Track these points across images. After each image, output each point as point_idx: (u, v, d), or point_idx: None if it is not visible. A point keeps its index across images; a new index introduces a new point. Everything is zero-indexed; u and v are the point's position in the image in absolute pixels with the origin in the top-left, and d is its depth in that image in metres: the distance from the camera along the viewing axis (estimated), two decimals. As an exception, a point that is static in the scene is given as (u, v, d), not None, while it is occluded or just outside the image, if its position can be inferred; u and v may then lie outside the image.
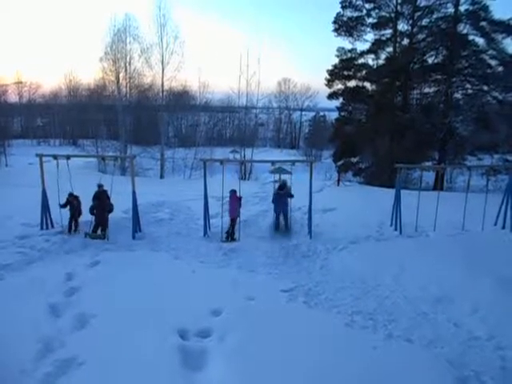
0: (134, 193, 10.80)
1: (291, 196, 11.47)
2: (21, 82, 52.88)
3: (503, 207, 11.09)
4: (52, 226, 10.91)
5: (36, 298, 6.58)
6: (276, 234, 11.38)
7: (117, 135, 30.59)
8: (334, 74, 28.36)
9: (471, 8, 23.57)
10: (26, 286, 7.06)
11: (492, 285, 7.35)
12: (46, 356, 5.11)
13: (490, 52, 23.79)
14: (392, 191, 12.46)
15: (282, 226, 11.64)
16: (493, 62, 23.91)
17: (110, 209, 10.84)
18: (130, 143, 29.94)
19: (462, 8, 23.82)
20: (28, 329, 5.62)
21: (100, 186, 11.13)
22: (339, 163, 28.76)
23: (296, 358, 5.15)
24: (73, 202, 10.81)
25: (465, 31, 24.30)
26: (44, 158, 10.88)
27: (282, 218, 11.61)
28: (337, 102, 29.32)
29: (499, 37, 23.21)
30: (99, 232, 10.62)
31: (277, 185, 12.36)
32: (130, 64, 29.05)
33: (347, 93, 28.08)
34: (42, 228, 10.72)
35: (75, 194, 10.91)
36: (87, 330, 5.78)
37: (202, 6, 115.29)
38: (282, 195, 11.37)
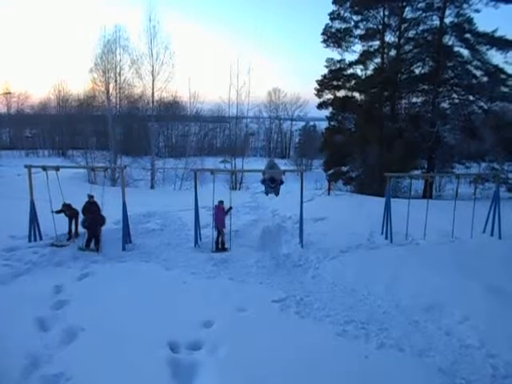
0: (124, 204, 10.72)
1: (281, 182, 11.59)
2: (9, 93, 52.27)
3: (491, 214, 11.24)
4: (40, 239, 10.74)
5: (23, 311, 6.44)
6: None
7: (107, 146, 30.40)
8: (324, 84, 28.69)
9: (456, 20, 24.11)
10: (13, 300, 6.91)
11: (482, 292, 7.43)
12: (32, 372, 4.99)
13: (474, 63, 24.29)
14: (382, 200, 12.55)
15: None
16: (478, 73, 24.41)
17: (103, 222, 10.74)
18: (120, 154, 29.78)
19: (447, 20, 24.36)
20: (14, 344, 5.49)
21: (90, 196, 11.03)
22: (329, 172, 28.92)
23: (288, 369, 5.11)
24: (66, 212, 10.88)
25: (450, 43, 24.80)
26: (33, 170, 10.75)
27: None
28: (326, 112, 29.64)
29: (483, 48, 23.73)
30: (92, 245, 10.48)
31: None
32: (120, 75, 29.06)
33: (337, 103, 28.39)
34: (30, 240, 10.54)
35: (67, 202, 10.93)
36: (75, 345, 5.67)
37: (192, 16, 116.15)
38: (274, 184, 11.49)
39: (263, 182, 11.64)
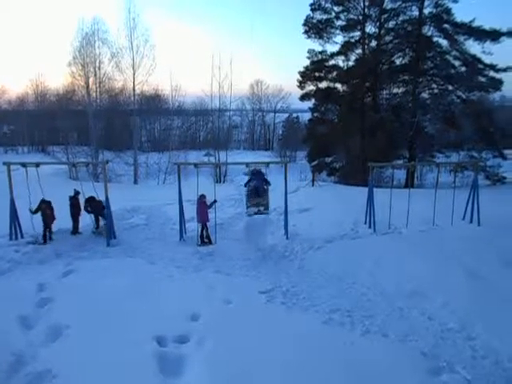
0: (107, 199, 10.60)
1: (268, 183, 11.33)
2: (-16, 88, 50.83)
3: (470, 202, 11.52)
4: (22, 237, 10.55)
5: (6, 310, 6.34)
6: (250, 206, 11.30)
7: (88, 141, 29.92)
8: (306, 76, 28.69)
9: (435, 11, 24.37)
10: (-5, 299, 6.80)
11: (462, 278, 7.65)
12: (18, 370, 4.95)
13: (453, 53, 24.64)
14: (365, 190, 12.71)
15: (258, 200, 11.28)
16: (456, 63, 24.79)
17: (103, 206, 10.88)
18: (101, 149, 29.34)
19: (426, 11, 24.60)
20: (-2, 343, 5.42)
21: (77, 193, 10.98)
22: (313, 163, 29.04)
23: (275, 360, 5.18)
24: (45, 211, 10.46)
25: (429, 33, 25.08)
26: (12, 167, 10.52)
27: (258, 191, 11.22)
28: (309, 103, 29.69)
29: (461, 38, 24.09)
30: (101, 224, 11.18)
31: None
32: (99, 68, 28.57)
33: (319, 94, 28.44)
34: (11, 238, 10.35)
35: (47, 199, 10.57)
36: (61, 342, 5.62)
37: (172, 8, 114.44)
38: (258, 178, 11.23)
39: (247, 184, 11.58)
